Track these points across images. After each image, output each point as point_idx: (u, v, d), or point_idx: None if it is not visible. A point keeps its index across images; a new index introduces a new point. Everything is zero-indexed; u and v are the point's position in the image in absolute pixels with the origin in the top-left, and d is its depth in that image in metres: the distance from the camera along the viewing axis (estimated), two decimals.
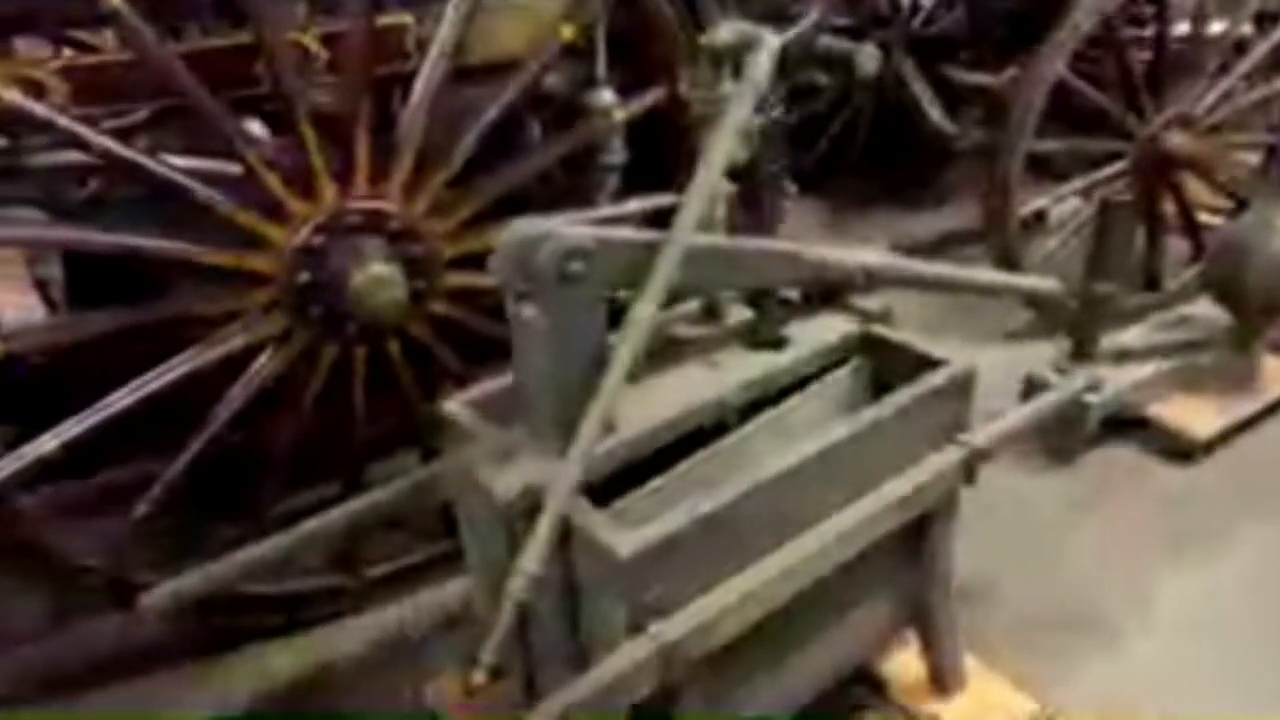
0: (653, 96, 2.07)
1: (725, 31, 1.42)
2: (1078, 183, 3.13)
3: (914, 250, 3.84)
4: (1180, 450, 2.66)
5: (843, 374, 1.70)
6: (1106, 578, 2.23)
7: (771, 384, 1.60)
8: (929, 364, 1.63)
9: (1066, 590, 2.20)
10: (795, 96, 3.59)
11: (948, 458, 1.60)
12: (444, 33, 1.75)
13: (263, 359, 1.80)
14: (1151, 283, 3.39)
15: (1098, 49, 3.13)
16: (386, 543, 2.21)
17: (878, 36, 3.55)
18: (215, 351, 1.76)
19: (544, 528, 1.26)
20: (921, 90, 3.46)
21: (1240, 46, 3.20)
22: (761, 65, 1.42)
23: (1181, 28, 3.13)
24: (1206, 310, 2.90)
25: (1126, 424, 2.73)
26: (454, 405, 1.53)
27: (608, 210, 2.13)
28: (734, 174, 1.87)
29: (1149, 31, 3.40)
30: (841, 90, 3.82)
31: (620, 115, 2.07)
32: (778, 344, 1.68)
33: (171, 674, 2.09)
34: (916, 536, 1.68)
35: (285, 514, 2.13)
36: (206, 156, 1.83)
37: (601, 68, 2.21)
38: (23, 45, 2.35)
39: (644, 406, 1.49)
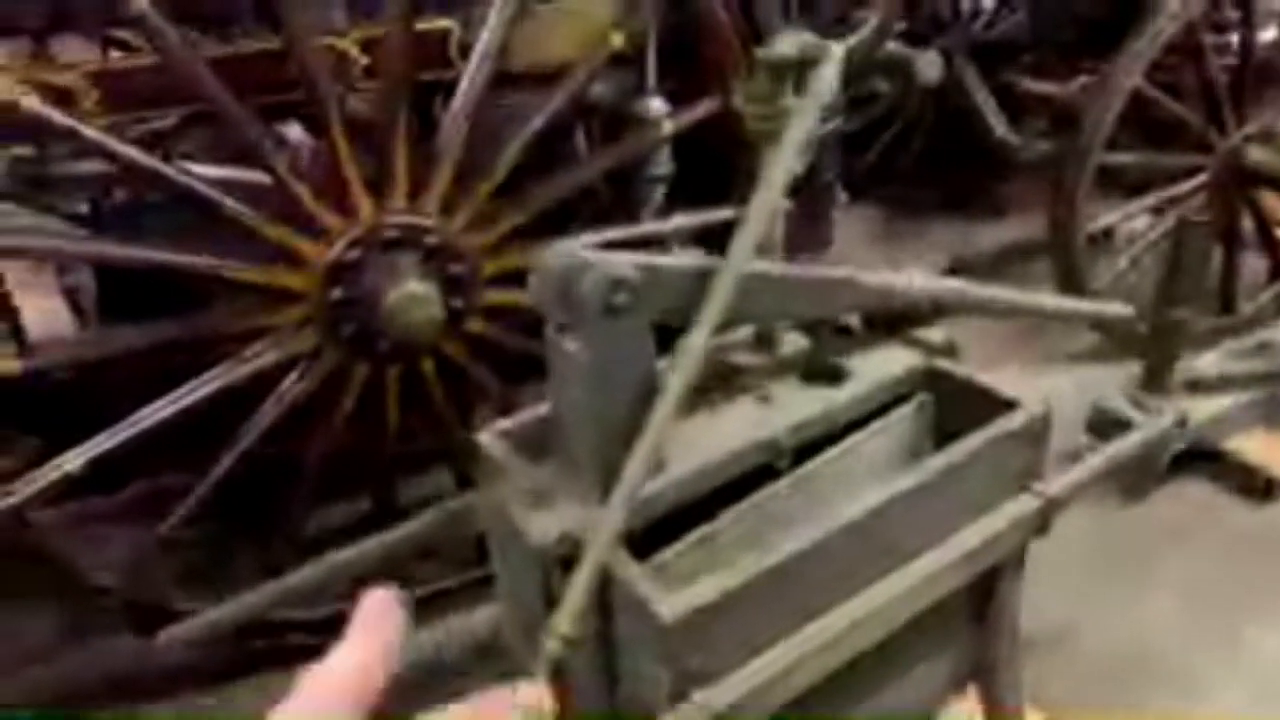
0: (705, 108, 1.96)
1: (786, 43, 1.30)
2: (1150, 198, 2.96)
3: (974, 264, 3.68)
4: (1258, 489, 2.49)
5: (905, 412, 1.57)
6: (1185, 627, 2.08)
7: (829, 422, 1.48)
8: (999, 403, 1.50)
9: (1140, 639, 2.06)
10: (854, 104, 3.46)
11: (1022, 508, 1.47)
12: (487, 37, 1.65)
13: (293, 376, 1.73)
14: (1226, 304, 3.21)
15: (1174, 55, 2.96)
16: (420, 567, 2.14)
17: (938, 43, 3.40)
18: (245, 368, 1.69)
19: (582, 582, 1.15)
20: (984, 99, 3.30)
21: None
22: (827, 79, 1.30)
23: (1268, 34, 2.94)
24: None
25: (1198, 457, 2.57)
26: (488, 437, 1.44)
27: (653, 226, 2.03)
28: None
29: (1227, 38, 3.22)
30: (900, 96, 3.68)
31: (670, 126, 1.96)
32: (835, 376, 1.56)
33: (196, 694, 2.04)
34: (982, 588, 1.55)
35: (316, 532, 2.08)
36: (244, 166, 1.76)
37: (652, 76, 2.11)
38: (70, 47, 2.32)
39: (691, 445, 1.38)
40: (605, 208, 2.20)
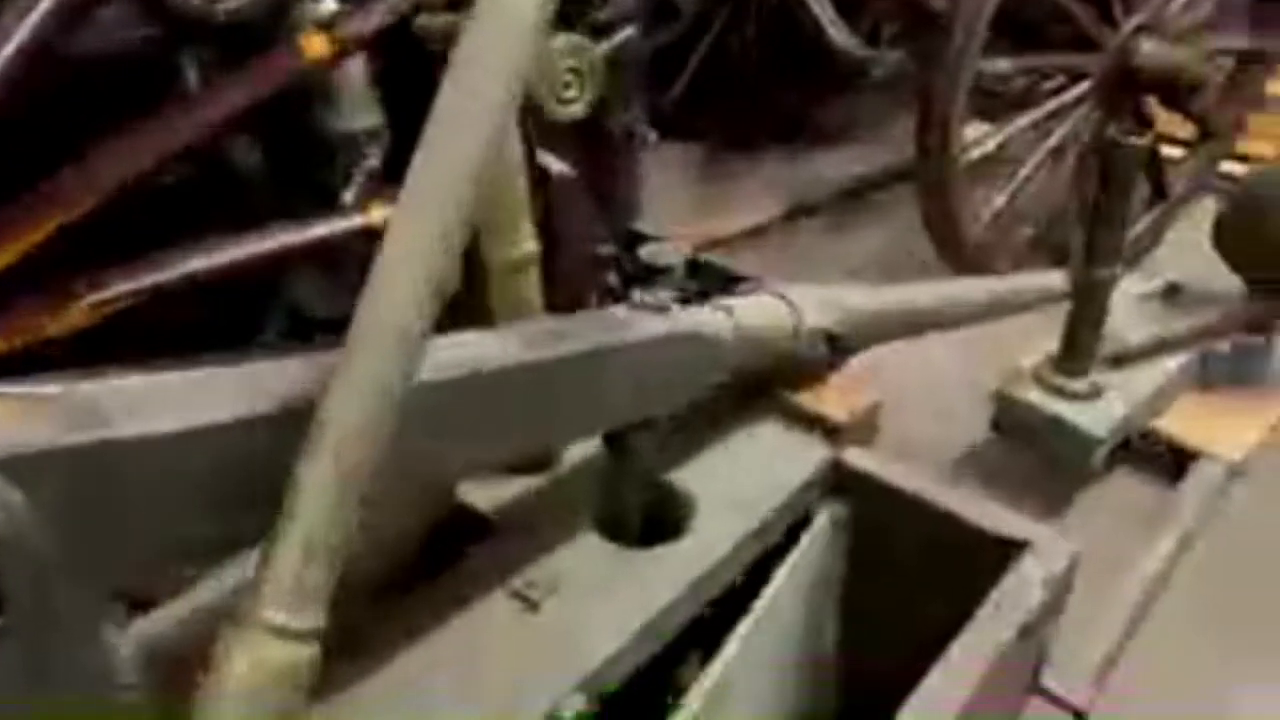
0: (382, 11, 1.11)
1: None
2: (1035, 113, 2.36)
3: (819, 205, 3.01)
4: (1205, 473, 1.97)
5: (805, 549, 0.85)
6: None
7: (663, 633, 0.73)
8: (969, 532, 0.80)
9: None
10: (652, 18, 2.67)
11: None
12: None
13: None
14: None
15: None
16: None
17: None
18: None
19: None
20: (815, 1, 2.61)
21: None
22: None
23: None
24: (1198, 276, 2.23)
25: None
26: None
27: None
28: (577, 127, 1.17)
29: None
30: (707, 4, 2.93)
31: (325, 45, 1.10)
32: (665, 516, 0.81)
33: None
34: None
35: None
36: None
37: None
38: None
39: None
40: (272, 193, 1.32)
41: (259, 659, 0.41)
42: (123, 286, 1.00)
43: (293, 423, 0.45)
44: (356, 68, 1.32)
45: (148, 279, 1.01)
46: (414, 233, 0.50)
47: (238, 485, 0.45)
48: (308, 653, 0.43)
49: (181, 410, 0.45)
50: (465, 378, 0.54)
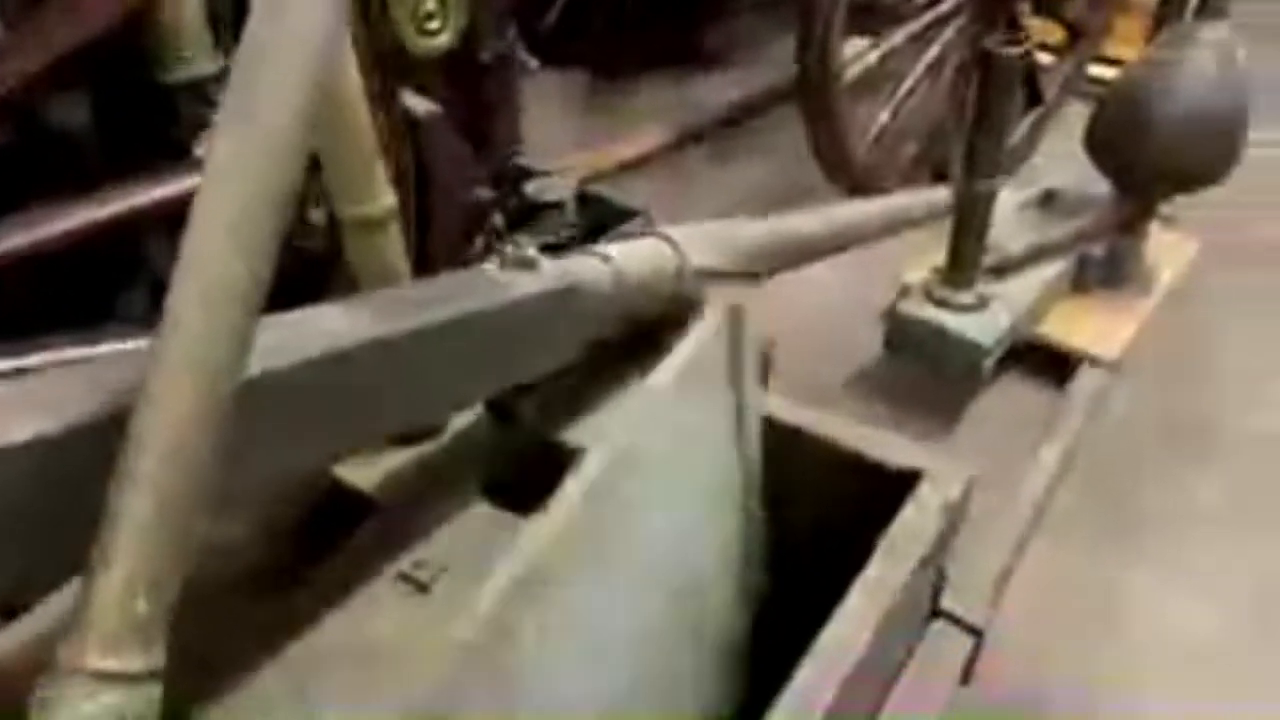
0: None
1: None
2: (912, 25, 2.36)
3: (706, 130, 2.97)
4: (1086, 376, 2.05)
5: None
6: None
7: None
8: (863, 464, 0.79)
9: None
10: None
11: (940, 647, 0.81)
12: None
13: None
14: None
15: None
16: None
17: None
18: None
19: None
20: None
21: None
22: None
23: None
24: (1072, 182, 2.29)
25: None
26: None
27: None
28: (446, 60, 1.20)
29: None
30: None
31: None
32: (563, 477, 0.77)
33: None
34: None
35: None
36: None
37: None
38: None
39: None
40: (105, 154, 1.20)
41: (86, 714, 0.36)
42: None
43: (112, 430, 0.39)
44: (191, 6, 1.21)
45: None
46: (227, 195, 0.44)
47: (54, 513, 0.40)
48: (147, 696, 0.38)
49: None
50: (307, 363, 0.49)
